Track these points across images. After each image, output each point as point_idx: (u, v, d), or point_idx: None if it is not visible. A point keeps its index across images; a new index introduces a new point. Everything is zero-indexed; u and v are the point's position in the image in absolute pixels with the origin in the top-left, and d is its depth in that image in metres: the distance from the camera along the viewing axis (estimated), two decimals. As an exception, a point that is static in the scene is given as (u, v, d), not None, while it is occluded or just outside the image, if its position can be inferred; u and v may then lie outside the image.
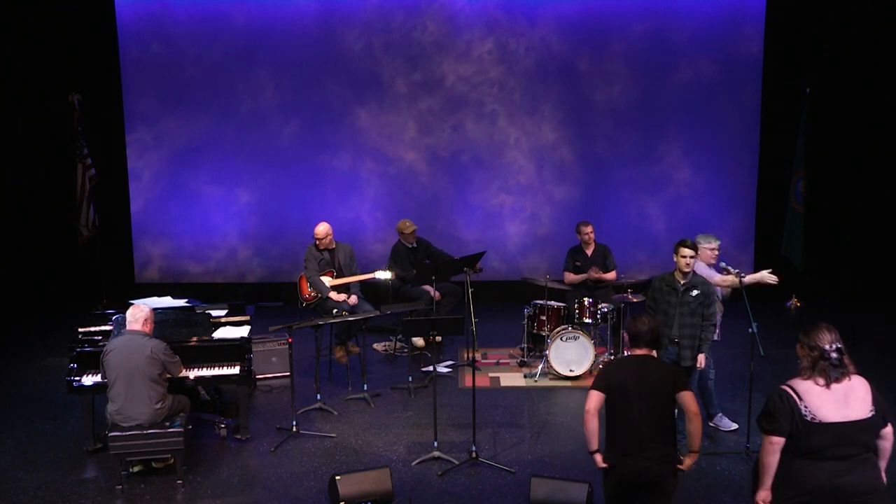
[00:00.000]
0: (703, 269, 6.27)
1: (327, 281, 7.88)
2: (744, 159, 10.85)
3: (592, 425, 4.24)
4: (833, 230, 10.71)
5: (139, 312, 5.74)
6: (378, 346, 8.93)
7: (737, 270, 6.23)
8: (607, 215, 10.71)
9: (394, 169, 10.85)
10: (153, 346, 5.60)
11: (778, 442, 3.69)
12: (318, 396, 7.14)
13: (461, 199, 10.91)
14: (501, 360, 8.46)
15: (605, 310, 7.88)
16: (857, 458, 3.65)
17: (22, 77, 10.25)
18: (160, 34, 10.50)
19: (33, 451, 6.28)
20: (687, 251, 5.87)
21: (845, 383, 3.68)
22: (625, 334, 4.60)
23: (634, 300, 7.65)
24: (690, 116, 10.75)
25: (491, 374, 8.04)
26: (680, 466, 4.22)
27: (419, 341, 8.59)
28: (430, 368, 7.62)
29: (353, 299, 7.85)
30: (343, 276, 7.94)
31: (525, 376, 7.95)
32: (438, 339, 8.90)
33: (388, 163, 10.83)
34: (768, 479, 3.75)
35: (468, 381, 7.43)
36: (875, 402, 3.70)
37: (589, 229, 8.37)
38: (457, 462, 5.95)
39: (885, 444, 3.76)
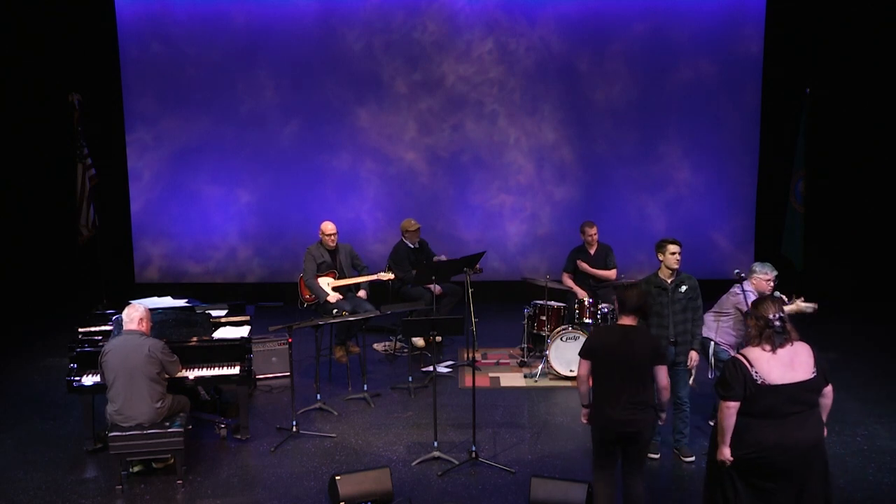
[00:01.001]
0: (751, 298, 6.20)
1: (329, 281, 7.87)
2: (744, 159, 10.85)
3: (584, 388, 4.84)
4: (833, 230, 10.70)
5: (134, 312, 5.74)
6: (378, 346, 8.93)
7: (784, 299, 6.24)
8: (607, 215, 10.70)
9: (394, 169, 10.85)
10: (150, 346, 5.60)
11: (734, 406, 4.14)
12: (318, 396, 7.14)
13: (461, 199, 10.91)
14: (501, 360, 8.46)
15: (605, 310, 7.88)
16: (804, 415, 4.14)
17: (22, 77, 10.25)
18: (160, 34, 10.51)
19: (33, 451, 6.28)
20: (675, 247, 5.87)
21: (789, 348, 4.15)
22: (614, 300, 4.95)
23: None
24: (690, 116, 10.75)
25: (491, 374, 8.04)
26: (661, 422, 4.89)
27: (419, 341, 8.59)
28: (430, 368, 7.62)
29: (362, 293, 7.94)
30: (344, 275, 7.95)
31: (525, 376, 7.95)
32: (438, 339, 8.90)
33: (388, 163, 10.83)
34: (728, 438, 4.20)
35: (468, 381, 7.44)
36: (817, 363, 4.18)
37: (593, 230, 8.36)
38: (457, 462, 5.95)
39: (826, 402, 4.27)
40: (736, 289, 6.29)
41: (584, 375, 4.77)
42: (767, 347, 4.13)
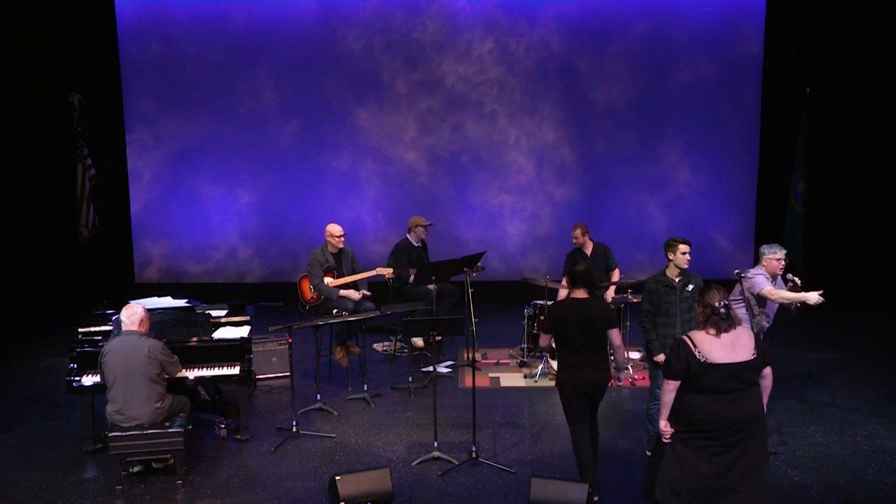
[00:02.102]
0: (762, 282, 6.09)
1: (329, 281, 7.86)
2: (744, 159, 10.85)
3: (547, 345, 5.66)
4: (833, 230, 10.71)
5: (133, 314, 5.72)
6: (378, 347, 8.93)
7: (798, 283, 6.22)
8: (607, 215, 10.71)
9: (394, 169, 10.85)
10: (150, 347, 5.59)
11: (673, 384, 4.56)
12: (318, 396, 7.14)
13: (461, 199, 10.91)
14: (501, 361, 8.45)
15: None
16: (745, 392, 4.49)
17: (22, 77, 10.25)
18: (160, 34, 10.51)
19: (33, 451, 6.28)
20: (686, 247, 5.84)
21: (732, 333, 4.51)
22: (565, 279, 5.52)
23: (634, 300, 7.62)
24: (690, 116, 10.76)
25: (491, 375, 8.04)
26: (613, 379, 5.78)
27: (418, 341, 8.59)
28: (430, 368, 7.62)
29: (360, 294, 7.87)
30: (344, 277, 7.92)
31: (525, 376, 7.94)
32: (438, 338, 8.90)
33: (388, 163, 10.84)
34: (666, 412, 4.62)
35: (468, 382, 7.44)
36: (757, 347, 4.53)
37: (576, 231, 8.21)
38: (457, 462, 5.95)
39: (766, 383, 4.65)
40: (737, 287, 6.24)
41: (546, 346, 5.69)
42: (712, 331, 4.49)
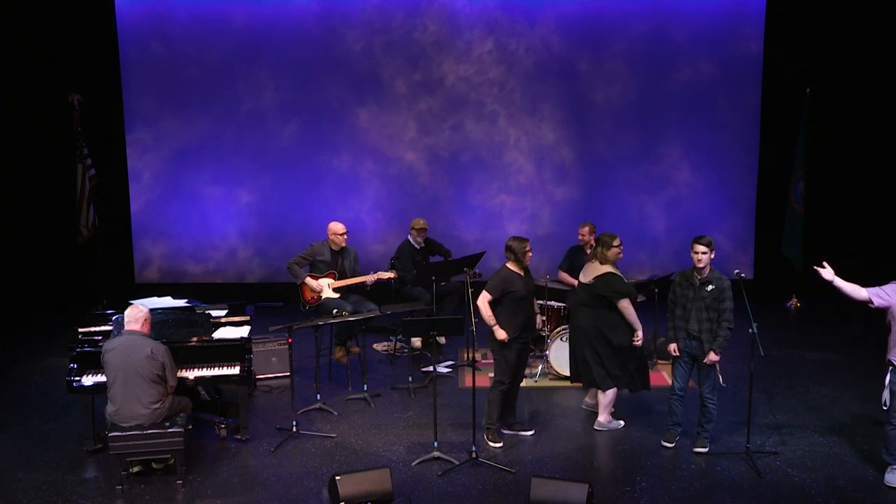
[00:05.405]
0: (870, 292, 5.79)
1: (328, 282, 7.87)
2: (744, 159, 10.85)
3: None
4: (833, 230, 10.70)
5: (138, 313, 5.73)
6: (378, 347, 8.93)
7: None
8: (607, 215, 10.70)
9: (394, 169, 10.85)
10: (153, 347, 5.60)
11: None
12: (318, 396, 7.14)
13: (461, 199, 10.91)
14: (501, 360, 8.43)
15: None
16: (580, 308, 6.47)
17: (22, 77, 10.25)
18: (160, 34, 10.51)
19: (33, 451, 6.28)
20: (699, 247, 5.97)
21: (588, 265, 6.45)
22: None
23: (634, 300, 7.64)
24: (690, 116, 10.75)
25: (491, 375, 7.98)
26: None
27: (416, 342, 8.58)
28: (430, 368, 7.62)
29: (372, 278, 7.87)
30: (346, 278, 7.92)
31: (525, 376, 7.92)
32: (442, 340, 8.92)
33: (388, 163, 10.84)
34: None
35: (468, 381, 7.44)
36: (599, 278, 6.29)
37: (584, 230, 8.30)
38: (457, 462, 5.96)
39: (624, 313, 6.27)
40: None
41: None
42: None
